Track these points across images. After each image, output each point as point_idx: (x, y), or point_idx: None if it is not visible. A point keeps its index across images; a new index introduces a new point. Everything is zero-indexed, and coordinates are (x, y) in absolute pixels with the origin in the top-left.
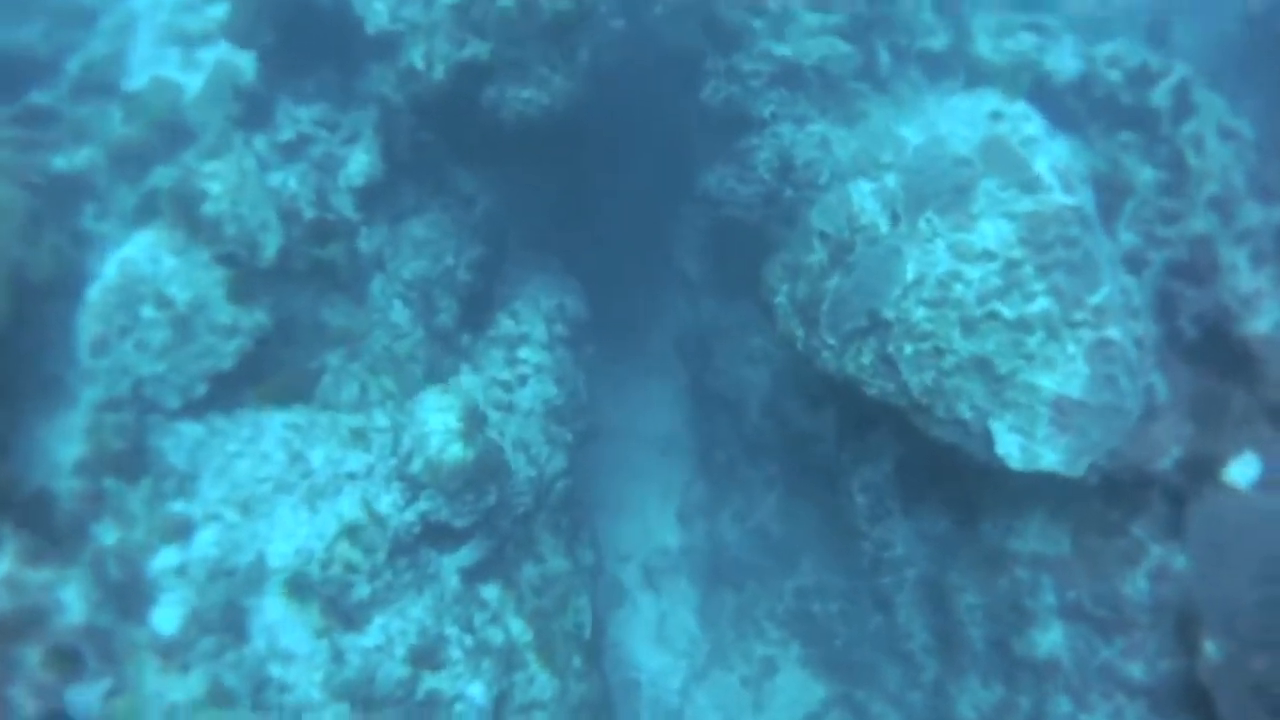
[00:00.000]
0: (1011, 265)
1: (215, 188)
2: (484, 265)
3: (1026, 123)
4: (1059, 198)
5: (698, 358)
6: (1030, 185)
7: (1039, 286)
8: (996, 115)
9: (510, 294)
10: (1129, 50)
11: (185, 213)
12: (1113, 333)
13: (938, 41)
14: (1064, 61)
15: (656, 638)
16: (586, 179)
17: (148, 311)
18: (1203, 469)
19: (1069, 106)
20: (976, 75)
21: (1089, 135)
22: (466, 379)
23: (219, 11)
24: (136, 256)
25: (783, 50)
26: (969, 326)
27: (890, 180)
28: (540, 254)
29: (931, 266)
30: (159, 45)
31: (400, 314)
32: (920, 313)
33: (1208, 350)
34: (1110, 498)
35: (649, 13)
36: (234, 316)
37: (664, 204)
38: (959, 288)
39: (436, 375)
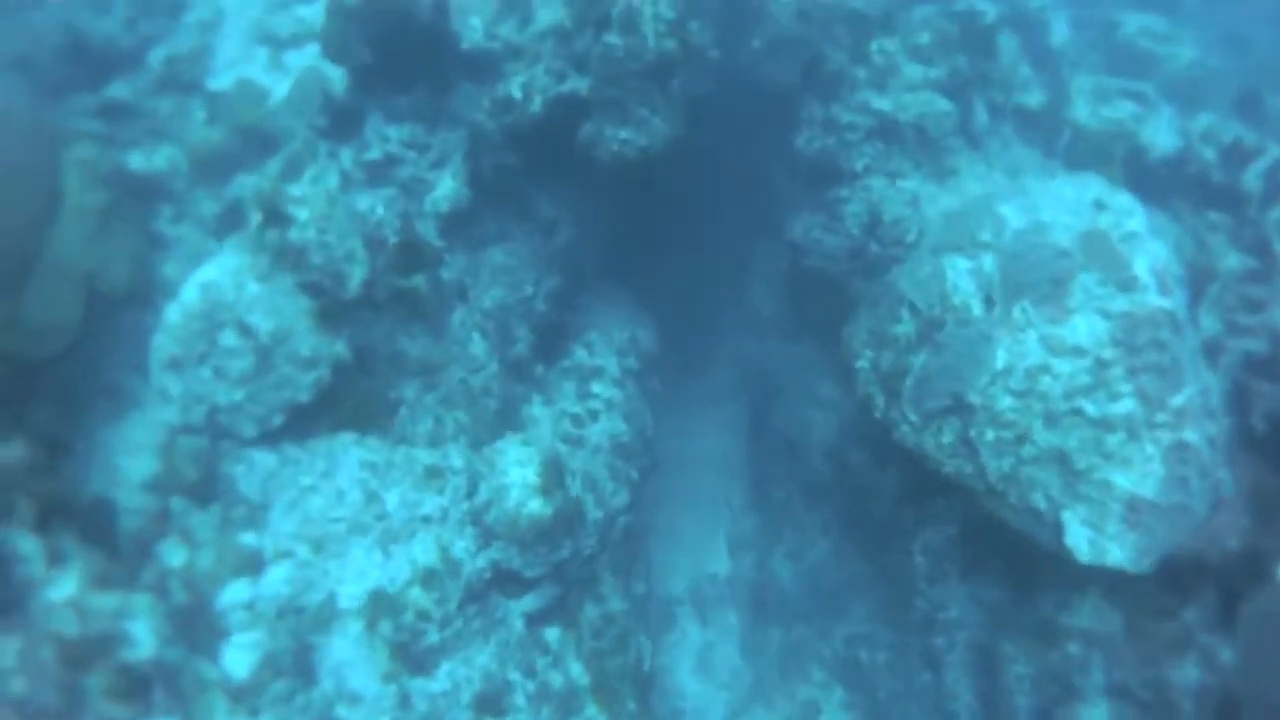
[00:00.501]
0: (1101, 365)
1: (303, 213)
2: (561, 297)
3: (1129, 217)
4: (1155, 300)
5: (762, 395)
6: (1128, 284)
7: (1126, 388)
8: (1100, 205)
9: (585, 323)
10: (1224, 126)
11: (272, 237)
12: (1190, 435)
13: (1034, 99)
14: (1160, 136)
15: (700, 667)
16: (667, 211)
17: (228, 339)
18: (1258, 564)
19: (1161, 180)
20: (1074, 139)
21: (1178, 210)
22: (543, 425)
23: (309, 12)
24: (219, 280)
25: (882, 105)
26: (1052, 420)
27: (988, 262)
28: (615, 284)
29: (1021, 357)
30: (247, 44)
31: (478, 346)
32: (1006, 401)
33: (1274, 446)
34: (1165, 583)
35: (746, 45)
36: (314, 348)
37: (742, 241)
38: (1047, 380)
39: (510, 409)
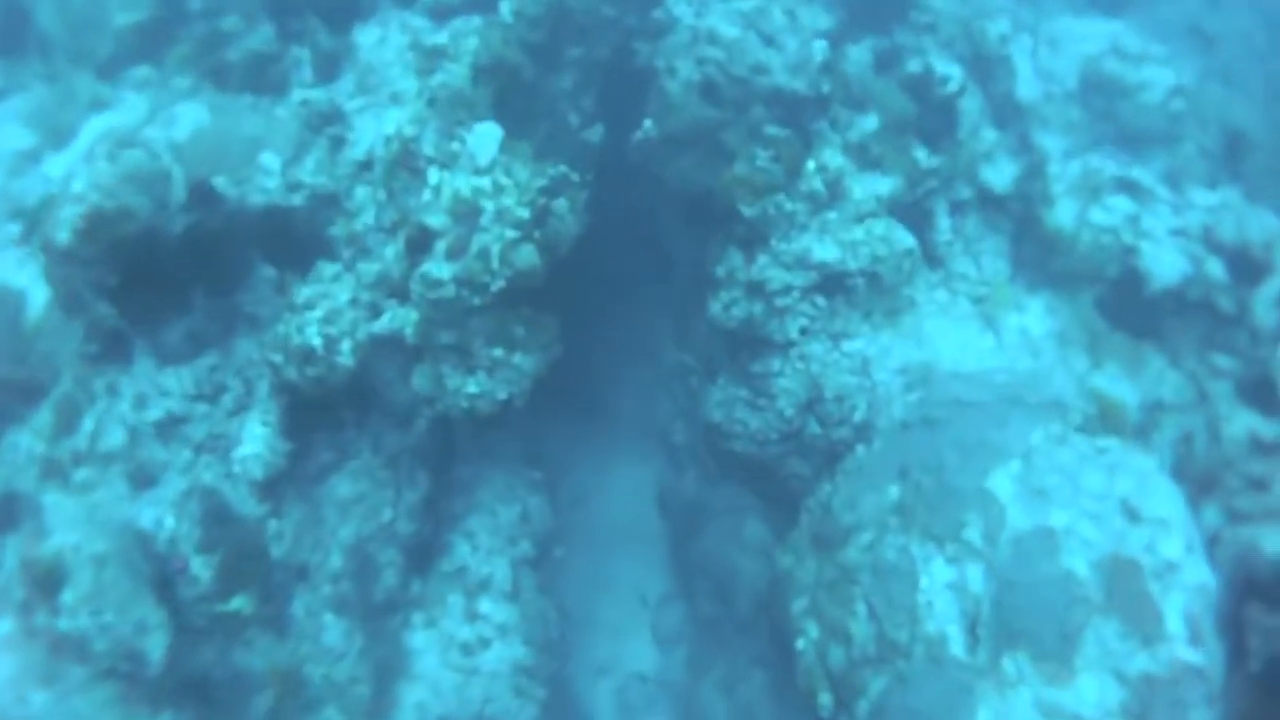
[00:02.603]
0: None
1: (68, 597)
2: (430, 499)
3: (1167, 537)
4: (1183, 654)
5: (682, 521)
6: (1154, 637)
7: None
8: (1132, 514)
9: (463, 507)
10: (1224, 215)
11: (42, 621)
12: None
13: (1001, 177)
14: (1163, 260)
15: None
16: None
17: None
18: None
19: (1160, 308)
20: (1052, 249)
21: (1177, 349)
22: (429, 657)
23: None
24: None
25: (826, 254)
26: None
27: (975, 578)
28: (493, 436)
29: None
30: None
31: (333, 630)
32: None
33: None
34: None
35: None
36: None
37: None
38: None
39: (387, 676)
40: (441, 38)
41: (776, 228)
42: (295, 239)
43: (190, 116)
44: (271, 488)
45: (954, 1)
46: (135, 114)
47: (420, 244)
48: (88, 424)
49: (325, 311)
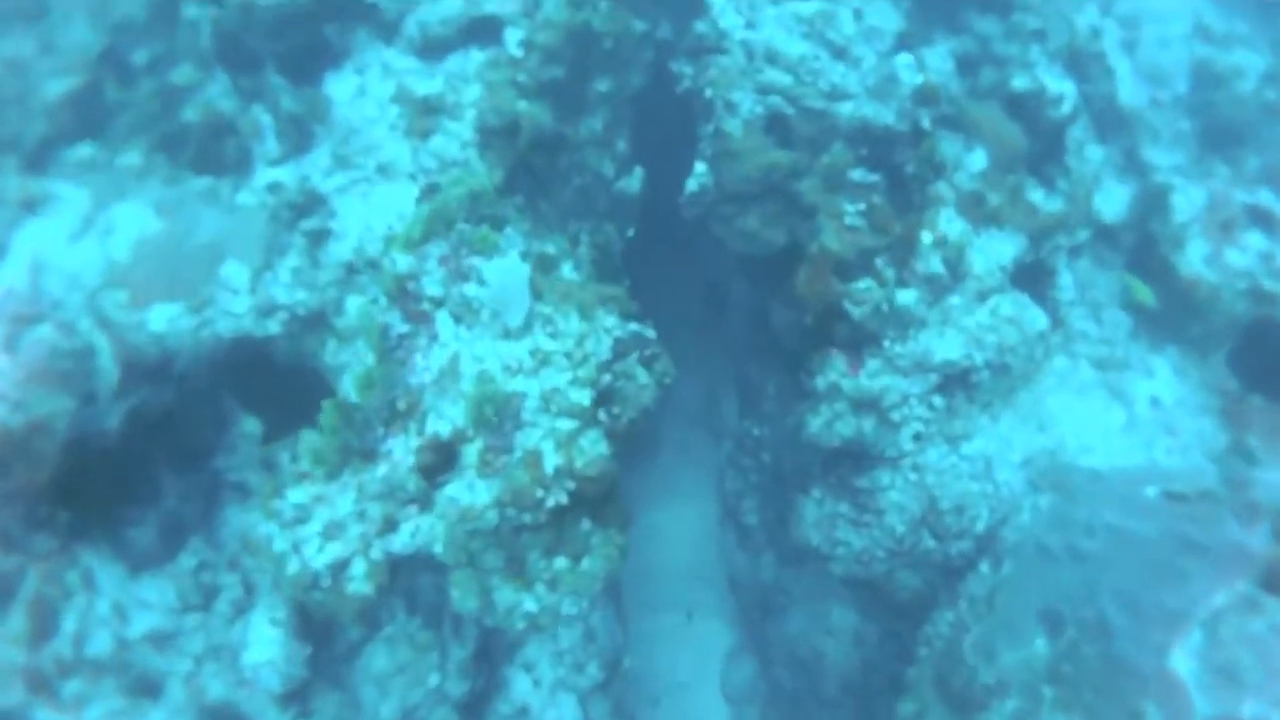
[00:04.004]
0: None
1: None
2: (483, 651)
3: None
4: None
5: (755, 606)
6: None
7: None
8: None
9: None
10: None
11: None
12: None
13: (1113, 206)
14: None
15: None
16: None
17: None
18: None
19: None
20: (1185, 307)
21: None
22: None
23: None
24: None
25: (950, 352)
26: None
27: None
28: None
29: None
30: None
31: None
32: None
33: None
34: None
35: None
36: None
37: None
38: None
39: None
40: (435, 84)
41: (890, 325)
42: (277, 376)
43: (132, 222)
44: (294, 695)
45: None
46: (71, 217)
47: (439, 454)
48: (69, 624)
49: (325, 524)
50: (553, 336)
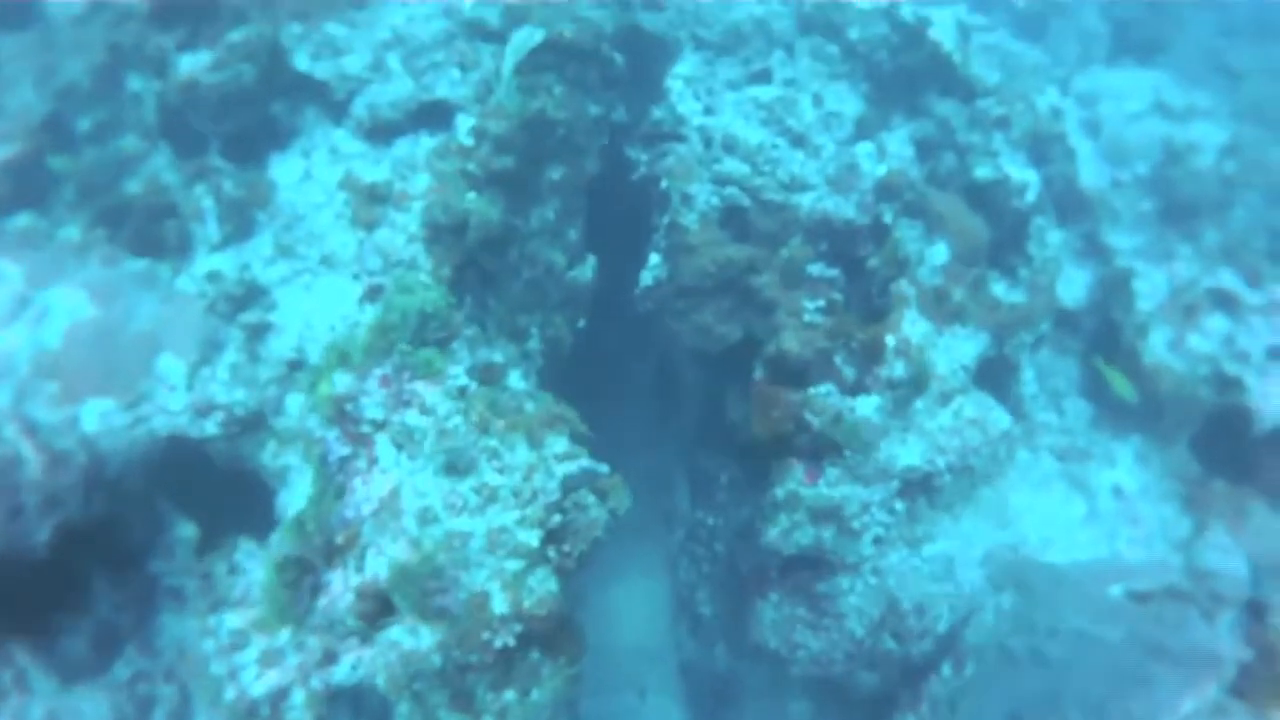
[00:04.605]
0: None
1: None
2: None
3: None
4: None
5: (710, 695)
6: None
7: None
8: None
9: None
10: None
11: None
12: None
13: (1073, 292)
14: (1271, 395)
15: None
16: None
17: None
18: None
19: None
20: (1151, 395)
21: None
22: None
23: None
24: None
25: (911, 457)
26: None
27: None
28: None
29: None
30: None
31: None
32: None
33: None
34: None
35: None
36: None
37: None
38: None
39: None
40: (383, 171)
41: (851, 435)
42: (214, 477)
43: (65, 308)
44: None
45: (995, 69)
46: (4, 295)
47: (378, 601)
48: None
49: (262, 651)
50: (499, 471)
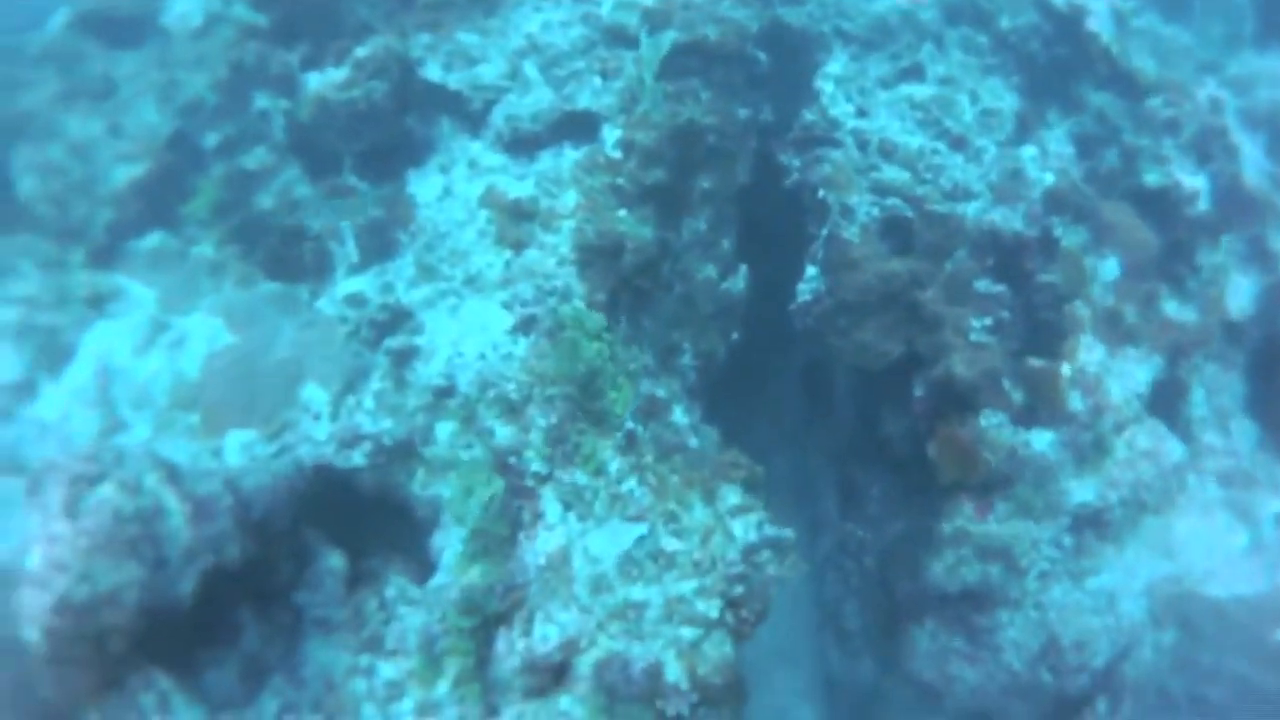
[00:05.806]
0: None
1: None
2: None
3: None
4: None
5: (857, 710)
6: None
7: None
8: None
9: None
10: None
11: None
12: None
13: (1238, 301)
14: None
15: None
16: None
17: None
18: None
19: None
20: None
21: None
22: None
23: None
24: None
25: (1085, 493)
26: None
27: None
28: None
29: None
30: None
31: None
32: None
33: None
34: None
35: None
36: None
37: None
38: None
39: None
40: (527, 187)
41: (1025, 469)
42: (361, 508)
43: (203, 334)
44: None
45: (1149, 56)
46: (138, 321)
47: (548, 675)
48: None
49: (418, 702)
50: (676, 535)
